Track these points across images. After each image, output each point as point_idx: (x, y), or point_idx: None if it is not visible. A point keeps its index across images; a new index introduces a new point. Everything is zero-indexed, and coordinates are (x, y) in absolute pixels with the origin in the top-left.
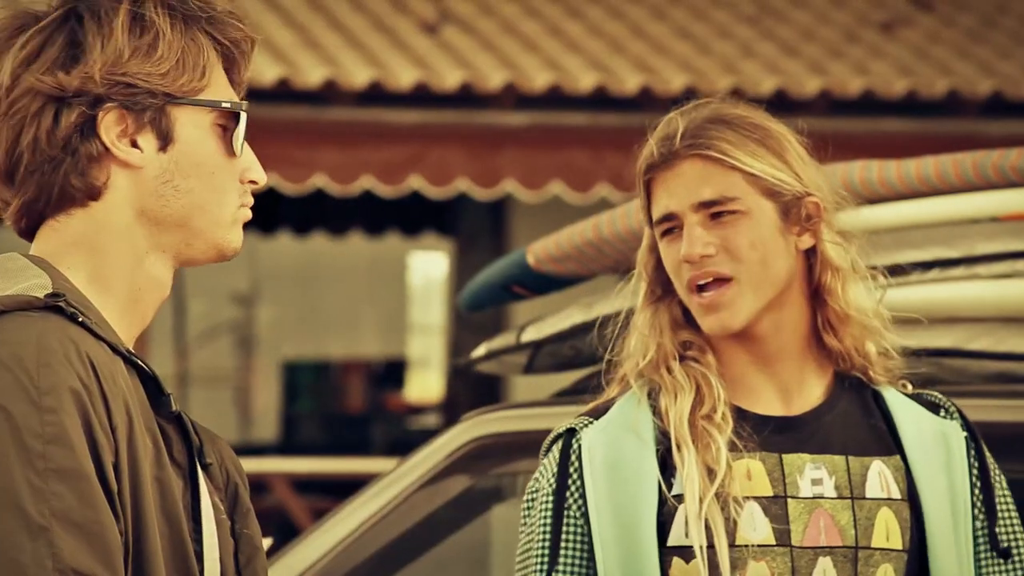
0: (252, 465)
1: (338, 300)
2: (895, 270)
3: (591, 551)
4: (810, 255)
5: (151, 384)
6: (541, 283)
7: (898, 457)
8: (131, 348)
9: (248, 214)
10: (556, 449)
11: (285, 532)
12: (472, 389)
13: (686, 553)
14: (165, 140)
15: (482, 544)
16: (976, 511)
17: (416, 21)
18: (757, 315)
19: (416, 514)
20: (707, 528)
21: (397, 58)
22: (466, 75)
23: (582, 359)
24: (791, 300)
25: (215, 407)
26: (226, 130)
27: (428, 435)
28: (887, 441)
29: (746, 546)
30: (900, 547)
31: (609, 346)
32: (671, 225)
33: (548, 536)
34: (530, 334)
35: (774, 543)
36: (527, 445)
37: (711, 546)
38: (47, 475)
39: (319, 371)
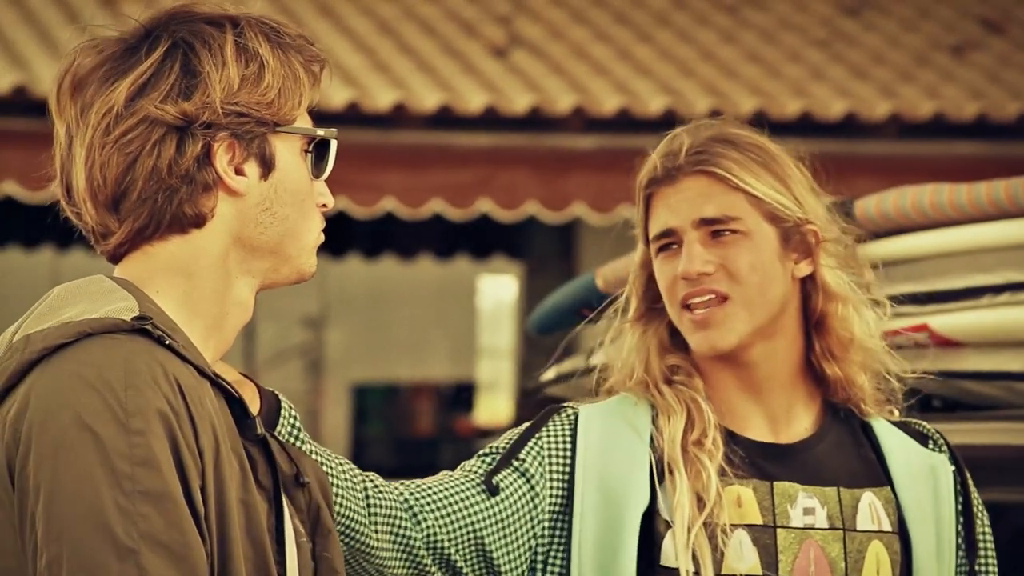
0: None
1: (407, 323)
2: (967, 293)
3: (533, 497)
4: (807, 283)
5: (237, 407)
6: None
7: (888, 489)
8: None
9: (323, 238)
10: (546, 415)
11: None
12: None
13: (676, 575)
14: (267, 168)
15: None
16: (959, 546)
17: (486, 45)
18: (747, 339)
19: None
20: (694, 556)
21: (466, 82)
22: (535, 99)
23: None
24: (784, 328)
25: None
26: (307, 155)
27: None
28: (877, 472)
29: None
30: None
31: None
32: (669, 241)
33: (511, 445)
34: (599, 357)
35: (760, 574)
36: None
37: (697, 573)
38: (135, 497)
39: (388, 394)
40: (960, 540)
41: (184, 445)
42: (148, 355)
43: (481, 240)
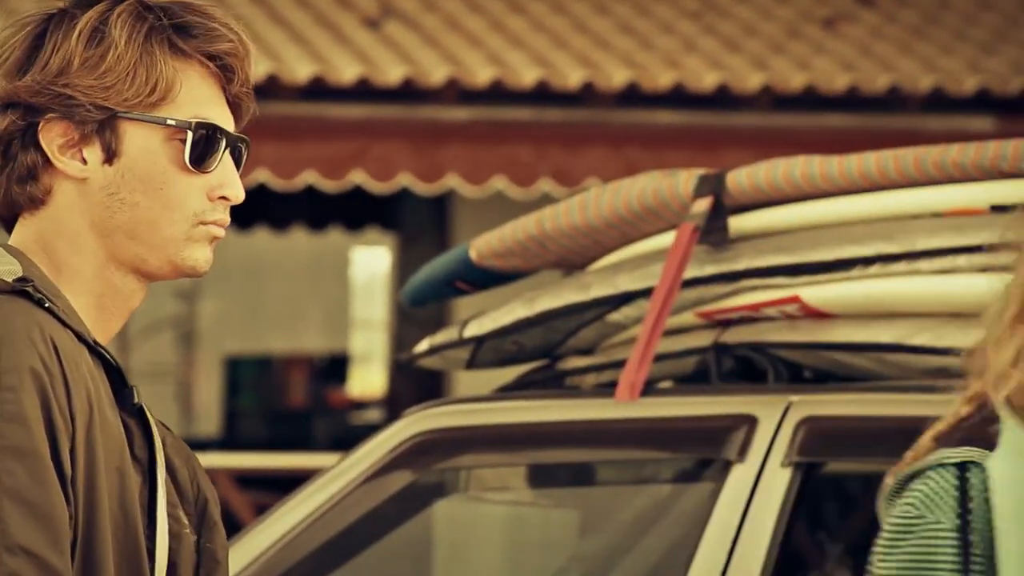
0: None
1: (281, 295)
2: (837, 265)
3: None
4: None
5: (115, 376)
6: (484, 278)
7: None
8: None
9: (217, 231)
10: (946, 479)
11: (227, 527)
12: (415, 384)
13: None
14: (110, 153)
15: (424, 540)
16: None
17: (359, 16)
18: None
19: (358, 509)
20: None
21: (340, 53)
22: (409, 70)
23: (524, 354)
24: None
25: (157, 402)
26: (196, 145)
27: (371, 430)
28: None
29: None
30: None
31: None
32: None
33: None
34: (472, 329)
35: None
36: (470, 440)
37: None
38: (1, 452)
39: (261, 366)
40: None
41: (55, 405)
42: (27, 315)
43: (354, 212)
